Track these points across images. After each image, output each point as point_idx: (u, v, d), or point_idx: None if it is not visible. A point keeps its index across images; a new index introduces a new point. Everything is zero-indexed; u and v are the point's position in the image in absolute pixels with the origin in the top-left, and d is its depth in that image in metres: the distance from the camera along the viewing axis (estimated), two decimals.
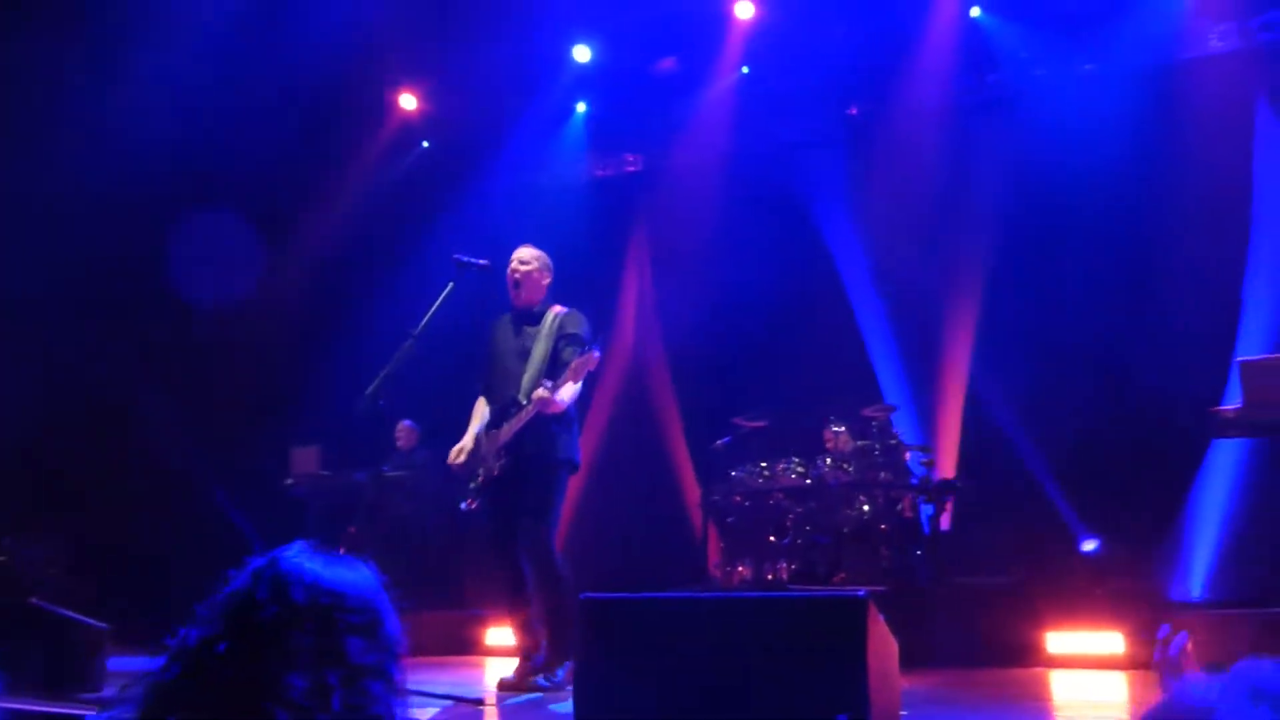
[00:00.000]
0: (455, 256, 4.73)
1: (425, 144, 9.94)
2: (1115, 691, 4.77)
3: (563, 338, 4.65)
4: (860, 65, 8.64)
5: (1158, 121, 7.51)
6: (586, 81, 9.28)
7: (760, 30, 8.56)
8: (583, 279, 9.62)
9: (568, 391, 4.51)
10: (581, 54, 8.92)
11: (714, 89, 9.02)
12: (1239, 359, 5.76)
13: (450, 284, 4.69)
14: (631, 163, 9.79)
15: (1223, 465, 7.35)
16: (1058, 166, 7.77)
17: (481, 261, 4.77)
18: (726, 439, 7.41)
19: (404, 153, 9.81)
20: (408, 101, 9.52)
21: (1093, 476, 7.36)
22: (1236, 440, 6.92)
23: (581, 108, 9.61)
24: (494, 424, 4.68)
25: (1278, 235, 7.51)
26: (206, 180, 8.38)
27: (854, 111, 8.99)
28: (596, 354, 4.47)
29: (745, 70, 8.95)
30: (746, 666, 2.74)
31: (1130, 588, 6.31)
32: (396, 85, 9.39)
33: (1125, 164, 7.49)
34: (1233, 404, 5.64)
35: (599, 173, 9.86)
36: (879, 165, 8.62)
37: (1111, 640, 5.56)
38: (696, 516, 7.95)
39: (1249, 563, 7.05)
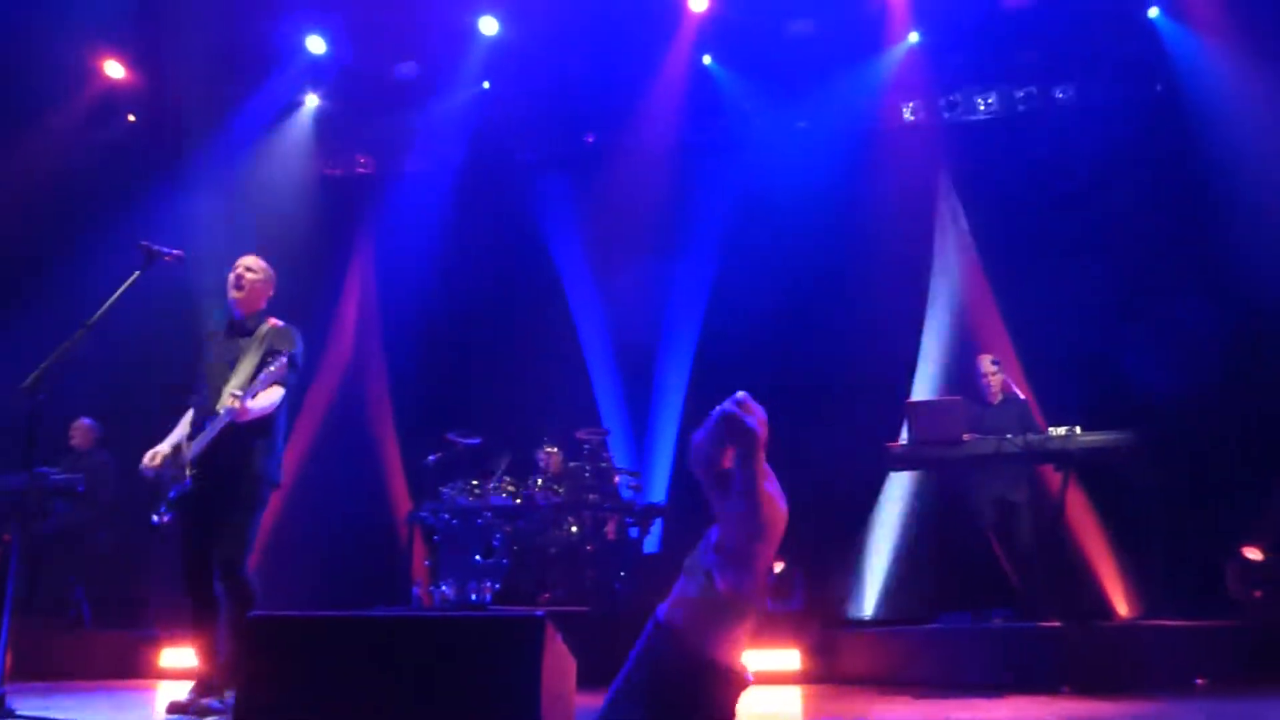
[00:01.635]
0: (143, 244, 4.36)
1: (131, 118, 9.10)
2: (791, 705, 5.09)
3: (273, 353, 4.49)
4: (599, 95, 8.86)
5: (858, 181, 8.24)
6: (320, 74, 8.88)
7: (504, 48, 8.57)
8: (303, 279, 9.20)
9: (260, 401, 4.36)
10: (316, 45, 8.53)
11: (453, 99, 8.91)
12: (907, 400, 6.40)
13: (136, 273, 4.32)
14: (363, 164, 9.46)
15: (895, 496, 8.13)
16: (770, 213, 8.35)
17: (174, 252, 4.43)
18: (438, 454, 7.29)
19: (104, 124, 8.90)
20: (113, 69, 8.68)
21: (786, 504, 7.87)
22: (907, 473, 7.69)
23: (313, 101, 9.18)
24: (193, 435, 4.45)
25: (950, 292, 8.44)
26: None
27: (590, 139, 9.19)
28: (284, 360, 4.35)
29: (486, 85, 8.91)
30: (421, 686, 2.68)
31: (810, 608, 6.79)
32: (100, 47, 8.51)
33: (828, 217, 8.15)
34: (903, 440, 6.26)
35: (327, 170, 9.46)
36: (611, 193, 8.86)
37: (790, 657, 5.96)
38: (405, 533, 7.76)
39: (913, 584, 7.83)
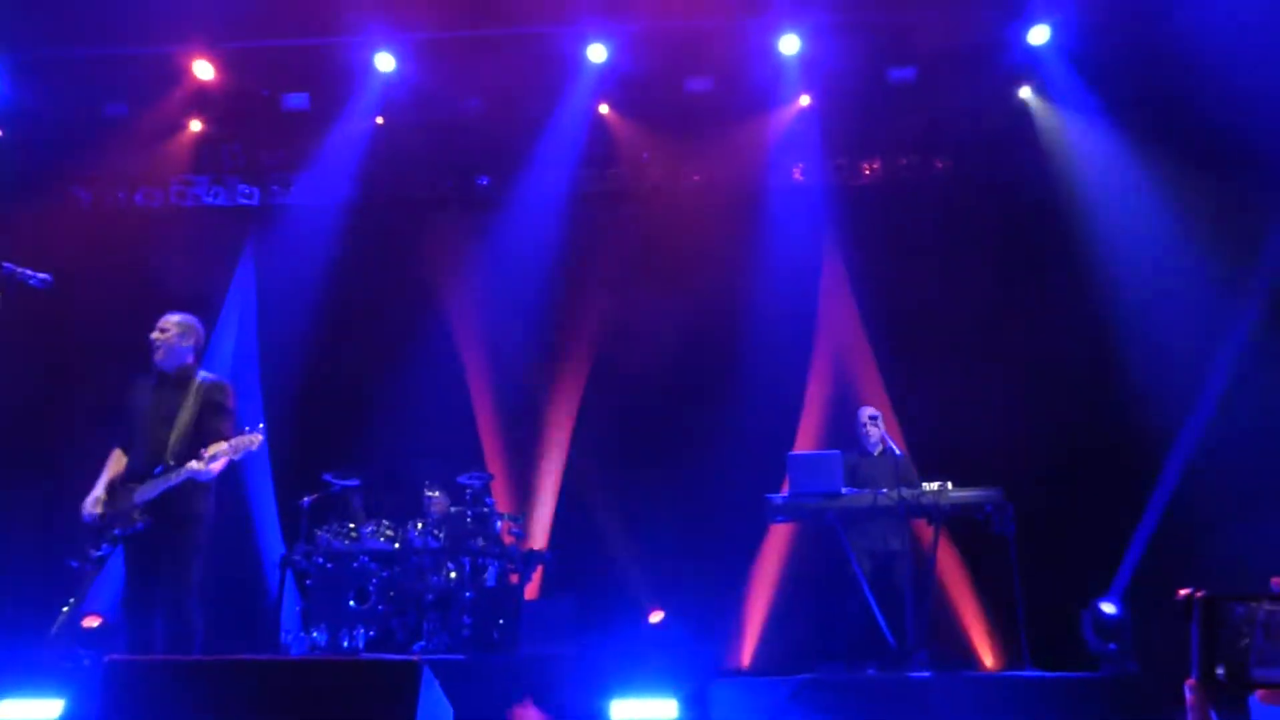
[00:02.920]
0: (4, 265, 4.19)
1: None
2: None
3: (210, 407, 4.78)
4: (494, 138, 8.85)
5: (748, 236, 8.44)
6: (205, 99, 8.62)
7: (400, 85, 8.50)
8: (181, 305, 8.82)
9: (219, 464, 4.65)
10: (203, 70, 8.29)
11: (344, 134, 8.76)
12: (789, 453, 6.53)
13: None
14: (246, 195, 9.18)
15: (776, 546, 8.24)
16: (661, 264, 8.45)
17: (40, 276, 4.29)
18: (314, 495, 7.06)
19: None
20: None
21: (666, 553, 7.89)
22: (787, 524, 7.80)
23: (196, 126, 8.89)
24: (132, 478, 4.72)
25: (833, 348, 8.68)
26: None
27: (484, 181, 9.16)
28: (260, 436, 4.67)
29: (380, 121, 8.81)
30: None
31: (688, 657, 6.79)
32: None
33: (718, 269, 8.32)
34: (783, 492, 6.36)
35: (208, 199, 9.15)
36: (502, 236, 8.82)
37: (667, 707, 5.93)
38: (277, 577, 7.44)
39: (791, 634, 7.92)
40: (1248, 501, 6.69)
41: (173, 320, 4.94)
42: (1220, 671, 0.85)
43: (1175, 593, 0.93)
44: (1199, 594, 0.88)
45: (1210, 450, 7.22)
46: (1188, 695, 0.85)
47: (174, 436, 4.68)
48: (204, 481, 4.68)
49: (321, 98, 8.60)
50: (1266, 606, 0.87)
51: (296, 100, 8.58)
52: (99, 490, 4.77)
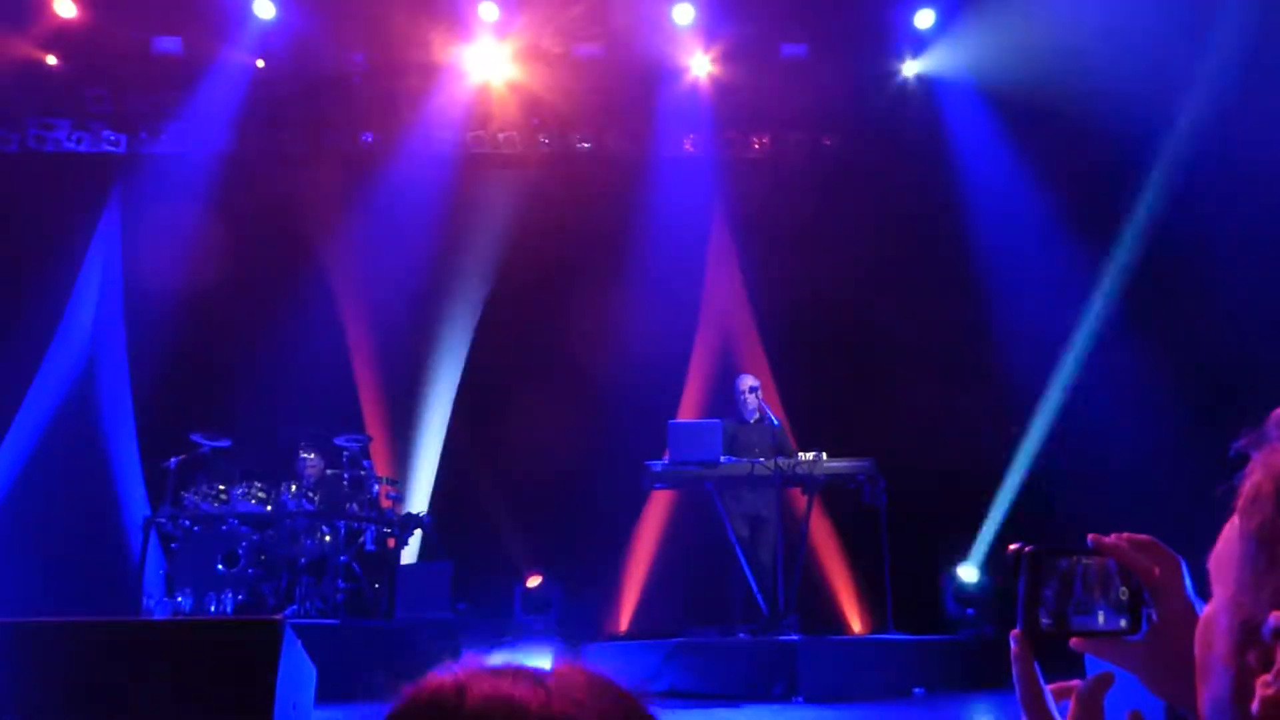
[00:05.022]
0: None
1: None
2: None
3: None
4: (380, 95, 8.61)
5: (636, 203, 8.44)
6: (66, 39, 8.11)
7: (281, 33, 8.16)
8: (39, 256, 8.34)
9: None
10: (64, 7, 7.80)
11: (220, 82, 8.37)
12: (670, 421, 6.62)
13: None
14: (112, 141, 8.69)
15: (655, 513, 8.33)
16: (547, 230, 8.39)
17: None
18: (181, 456, 6.80)
19: None
20: None
21: (546, 519, 7.90)
22: (668, 490, 7.89)
23: (51, 60, 8.33)
24: None
25: (719, 316, 8.79)
26: None
27: (368, 138, 8.90)
28: None
29: (261, 64, 8.43)
30: (149, 693, 2.48)
31: (567, 620, 6.84)
32: None
33: (605, 236, 8.31)
34: (663, 459, 6.45)
35: (70, 145, 8.63)
36: (386, 196, 8.59)
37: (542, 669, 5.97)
38: (140, 540, 7.16)
39: (667, 598, 8.05)
40: (1097, 475, 7.09)
41: None
42: (1044, 621, 0.91)
43: (1005, 550, 0.99)
44: (1026, 549, 0.94)
45: (1064, 427, 7.63)
46: (1013, 645, 0.90)
47: None
48: None
49: (195, 42, 8.20)
50: (1085, 560, 0.93)
51: (168, 44, 8.16)
52: None
